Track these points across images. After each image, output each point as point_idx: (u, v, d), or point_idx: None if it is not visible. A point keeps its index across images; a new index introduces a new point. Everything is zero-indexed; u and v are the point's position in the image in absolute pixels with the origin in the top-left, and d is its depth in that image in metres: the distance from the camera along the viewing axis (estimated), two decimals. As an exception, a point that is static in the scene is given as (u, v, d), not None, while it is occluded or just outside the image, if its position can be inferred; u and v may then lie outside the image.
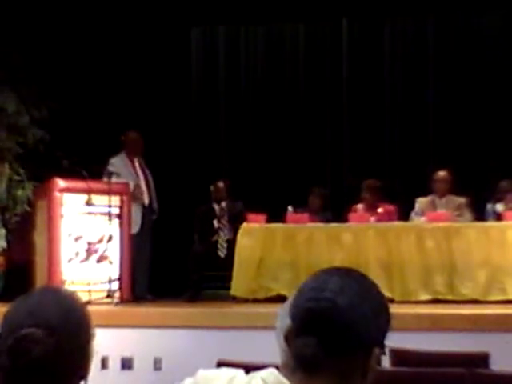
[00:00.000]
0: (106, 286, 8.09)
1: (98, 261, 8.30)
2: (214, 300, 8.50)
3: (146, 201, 8.89)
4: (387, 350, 1.71)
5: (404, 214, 8.82)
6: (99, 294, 7.94)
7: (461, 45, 10.37)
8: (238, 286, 8.36)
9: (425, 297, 8.02)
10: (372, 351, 1.65)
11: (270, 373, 1.69)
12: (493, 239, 8.07)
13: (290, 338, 1.67)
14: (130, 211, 8.52)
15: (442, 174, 8.85)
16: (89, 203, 8.11)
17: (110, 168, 8.48)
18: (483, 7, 9.99)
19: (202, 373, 1.80)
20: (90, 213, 8.22)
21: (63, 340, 1.76)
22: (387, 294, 7.72)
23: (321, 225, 8.71)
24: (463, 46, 10.36)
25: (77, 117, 9.37)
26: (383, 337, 1.68)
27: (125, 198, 8.45)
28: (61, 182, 8.04)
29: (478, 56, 10.27)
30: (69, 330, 1.78)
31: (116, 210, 8.35)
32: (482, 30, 10.31)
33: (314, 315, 1.63)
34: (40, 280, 7.91)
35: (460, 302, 7.83)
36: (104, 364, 6.95)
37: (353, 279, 1.68)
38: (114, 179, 8.37)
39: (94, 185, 8.11)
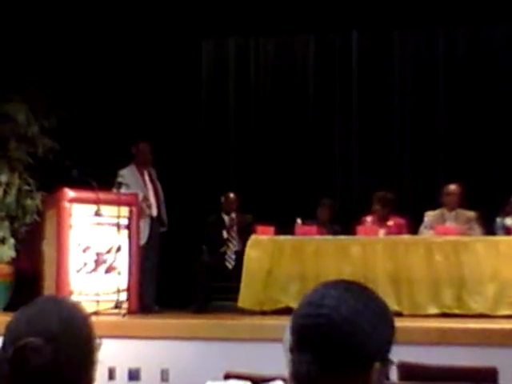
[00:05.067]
0: (114, 297, 8.09)
1: (107, 271, 8.30)
2: (222, 312, 8.49)
3: (154, 212, 8.89)
4: (395, 364, 1.68)
5: (413, 228, 8.80)
6: (107, 305, 7.94)
7: (471, 57, 10.37)
8: (245, 298, 8.35)
9: (433, 311, 8.00)
10: (372, 366, 1.63)
11: (278, 385, 1.68)
12: (502, 253, 8.05)
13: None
14: (138, 222, 8.53)
15: (452, 187, 8.83)
16: (98, 214, 8.12)
17: (120, 179, 8.49)
18: (493, 19, 9.98)
19: (209, 384, 1.79)
20: (98, 223, 8.22)
21: (63, 349, 1.75)
22: (395, 307, 7.70)
23: (329, 237, 8.70)
24: (473, 58, 10.35)
25: (87, 127, 9.39)
26: (386, 349, 1.66)
27: (134, 208, 8.45)
28: (70, 193, 8.06)
29: (489, 68, 10.26)
30: (68, 339, 1.77)
31: (125, 221, 8.35)
32: (493, 43, 10.29)
33: (309, 331, 1.62)
34: (48, 290, 7.92)
35: (468, 316, 7.80)
36: (111, 375, 6.94)
37: (351, 293, 1.66)
38: (123, 190, 8.38)
39: (103, 195, 8.11)
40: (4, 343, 1.79)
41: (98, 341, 1.86)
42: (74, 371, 1.77)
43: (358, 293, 1.67)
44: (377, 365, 1.62)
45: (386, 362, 1.65)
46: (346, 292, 1.66)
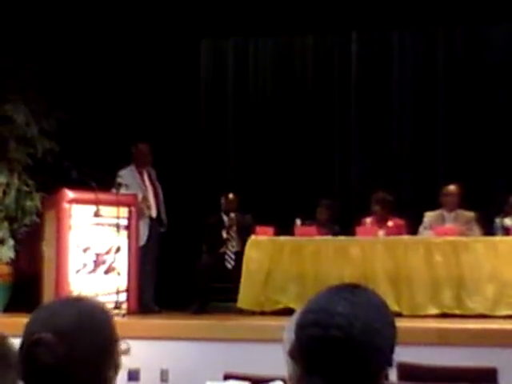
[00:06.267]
0: (114, 298, 8.09)
1: (106, 272, 8.30)
2: (221, 312, 8.49)
3: (154, 213, 8.89)
4: (394, 364, 1.68)
5: (412, 228, 8.80)
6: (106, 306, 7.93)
7: (470, 57, 10.36)
8: (245, 299, 8.35)
9: (433, 311, 8.00)
10: (382, 372, 1.62)
11: (277, 386, 1.68)
12: (501, 254, 8.05)
13: (294, 357, 1.64)
14: (138, 223, 8.53)
15: (451, 188, 8.83)
16: (97, 214, 8.12)
17: (119, 180, 8.49)
18: (493, 19, 9.98)
19: (208, 385, 1.79)
20: (98, 224, 8.22)
21: (75, 347, 1.72)
22: (395, 307, 7.70)
23: (329, 238, 8.70)
24: (473, 58, 10.35)
25: (86, 128, 9.38)
26: (391, 353, 1.65)
27: (133, 209, 8.45)
28: (69, 193, 8.05)
29: (488, 68, 10.26)
30: (83, 338, 1.74)
31: (124, 222, 8.35)
32: (492, 43, 10.29)
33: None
34: (48, 291, 7.92)
35: (468, 316, 7.80)
36: (110, 375, 6.93)
37: (356, 299, 1.62)
38: (122, 191, 8.38)
39: (102, 196, 8.11)
40: (21, 342, 1.78)
41: (124, 344, 1.83)
42: (86, 371, 1.73)
43: (364, 300, 1.63)
44: (385, 371, 1.62)
45: (391, 365, 1.65)
46: (356, 302, 1.61)
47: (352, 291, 1.65)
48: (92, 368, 1.74)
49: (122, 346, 1.87)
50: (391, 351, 1.63)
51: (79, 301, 1.86)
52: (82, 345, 1.73)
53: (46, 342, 1.71)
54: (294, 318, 1.78)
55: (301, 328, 1.62)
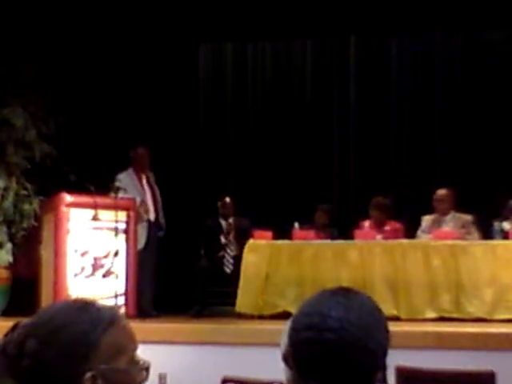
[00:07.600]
0: (112, 302, 8.08)
1: (104, 276, 8.30)
2: (220, 316, 8.48)
3: (152, 217, 8.90)
4: (393, 368, 1.68)
5: (410, 232, 8.80)
6: (105, 309, 7.91)
7: (468, 62, 10.38)
8: (243, 303, 8.34)
9: (431, 315, 8.00)
10: (374, 376, 1.62)
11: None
12: (499, 257, 8.05)
13: (288, 361, 1.64)
14: (136, 226, 8.53)
15: (440, 192, 8.83)
16: (95, 218, 8.12)
17: (117, 183, 8.49)
18: (491, 24, 9.98)
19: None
20: (96, 228, 8.22)
21: (47, 342, 1.62)
22: (393, 311, 7.70)
23: (327, 242, 8.70)
24: (471, 63, 10.36)
25: (84, 132, 9.38)
26: (384, 356, 1.65)
27: (131, 213, 8.46)
28: (68, 197, 8.05)
29: (486, 74, 10.27)
30: (54, 333, 1.63)
31: (122, 226, 8.35)
32: (491, 48, 10.30)
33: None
34: (46, 295, 7.91)
35: (466, 320, 7.80)
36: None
37: (353, 307, 1.62)
38: (120, 194, 8.38)
39: (100, 200, 8.11)
40: None
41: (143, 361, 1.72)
42: (56, 371, 1.61)
43: (357, 303, 1.64)
44: (379, 375, 1.62)
45: (385, 369, 1.65)
46: (346, 305, 1.62)
47: (345, 295, 1.66)
48: (61, 369, 1.61)
49: (142, 361, 1.78)
50: (384, 354, 1.63)
51: (86, 304, 1.73)
52: (54, 340, 1.62)
53: (18, 334, 1.64)
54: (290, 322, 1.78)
55: (294, 331, 1.63)
